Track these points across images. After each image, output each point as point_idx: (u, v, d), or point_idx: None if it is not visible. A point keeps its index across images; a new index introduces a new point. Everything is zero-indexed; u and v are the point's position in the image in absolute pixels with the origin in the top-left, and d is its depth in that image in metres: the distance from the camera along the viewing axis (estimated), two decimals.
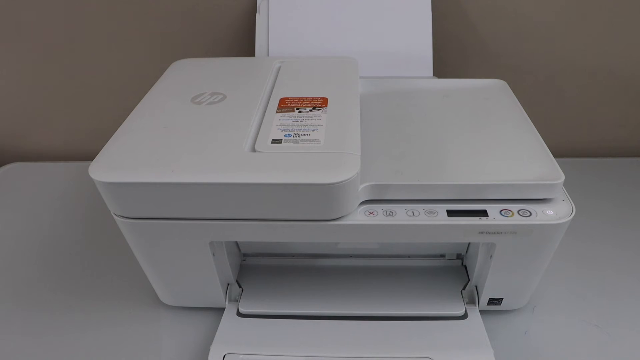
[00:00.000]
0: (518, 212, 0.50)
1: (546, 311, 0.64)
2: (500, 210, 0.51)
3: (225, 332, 0.59)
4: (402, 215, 0.51)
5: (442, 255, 0.67)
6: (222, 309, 0.63)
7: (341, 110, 0.56)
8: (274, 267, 0.68)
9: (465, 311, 0.61)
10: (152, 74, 0.69)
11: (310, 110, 0.56)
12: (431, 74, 0.75)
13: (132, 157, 0.49)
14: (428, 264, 0.67)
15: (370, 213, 0.51)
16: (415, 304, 0.62)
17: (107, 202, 0.50)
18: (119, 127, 0.55)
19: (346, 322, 0.60)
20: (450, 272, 0.66)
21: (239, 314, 0.62)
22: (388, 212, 0.51)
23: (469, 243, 0.64)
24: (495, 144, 0.56)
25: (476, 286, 0.62)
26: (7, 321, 0.65)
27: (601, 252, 0.73)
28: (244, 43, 0.86)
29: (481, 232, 0.51)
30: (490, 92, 0.66)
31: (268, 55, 0.76)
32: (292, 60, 0.70)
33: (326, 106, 0.57)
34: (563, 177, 0.50)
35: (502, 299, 0.61)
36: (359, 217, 0.50)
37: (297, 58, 0.71)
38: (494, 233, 0.51)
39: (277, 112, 0.56)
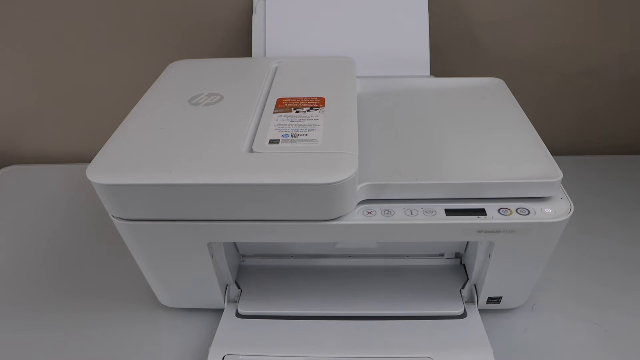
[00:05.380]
0: (516, 210, 0.50)
1: (545, 309, 0.64)
2: (499, 209, 0.51)
3: (224, 333, 0.59)
4: (400, 215, 0.50)
5: (441, 254, 0.67)
6: (221, 310, 0.63)
7: (338, 110, 0.56)
8: (273, 268, 0.68)
9: (465, 310, 0.61)
10: (149, 76, 0.69)
11: (308, 110, 0.56)
12: (428, 73, 0.75)
13: (129, 159, 0.49)
14: (427, 263, 0.67)
15: (369, 213, 0.51)
16: (414, 304, 0.62)
17: (105, 204, 0.50)
18: (116, 129, 0.55)
19: (345, 322, 0.60)
20: (449, 271, 0.66)
21: (238, 315, 0.62)
22: (386, 212, 0.51)
23: (468, 242, 0.64)
24: (492, 142, 0.56)
25: (475, 285, 0.62)
26: (6, 321, 0.65)
27: (600, 250, 0.73)
28: (240, 43, 0.86)
29: (480, 231, 0.51)
30: (487, 91, 0.66)
31: (265, 55, 0.76)
32: (289, 60, 0.70)
33: (323, 106, 0.57)
34: (561, 175, 0.50)
35: (501, 297, 0.61)
36: (357, 217, 0.50)
37: (294, 58, 0.71)
38: (493, 232, 0.51)
39: (274, 112, 0.56)
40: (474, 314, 0.61)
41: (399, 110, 0.63)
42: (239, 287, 0.65)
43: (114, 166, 0.49)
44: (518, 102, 0.64)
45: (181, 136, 0.52)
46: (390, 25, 0.75)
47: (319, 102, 0.58)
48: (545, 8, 0.82)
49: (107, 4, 0.83)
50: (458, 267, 0.67)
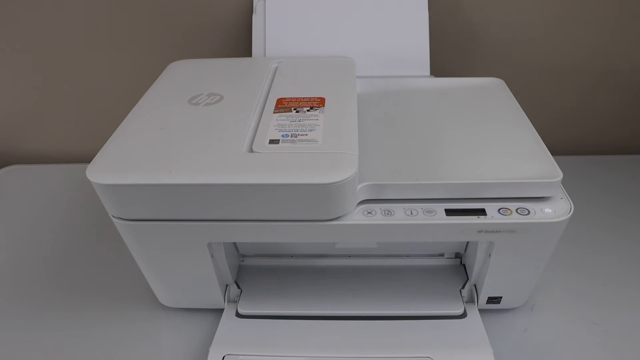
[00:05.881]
0: (516, 210, 0.50)
1: (545, 309, 0.64)
2: (499, 209, 0.51)
3: (225, 333, 0.59)
4: (400, 215, 0.50)
5: (441, 254, 0.67)
6: (221, 310, 0.63)
7: (338, 110, 0.56)
8: (273, 268, 0.67)
9: (465, 310, 0.61)
10: (149, 76, 0.69)
11: (308, 110, 0.56)
12: (428, 73, 0.75)
13: (129, 159, 0.49)
14: (427, 263, 0.67)
15: (369, 213, 0.51)
16: (414, 304, 0.62)
17: (105, 204, 0.50)
18: (116, 129, 0.55)
19: (345, 322, 0.60)
20: (449, 271, 0.66)
21: (238, 315, 0.62)
22: (386, 212, 0.51)
23: (468, 242, 0.64)
24: (493, 142, 0.56)
25: (475, 285, 0.62)
26: (7, 321, 0.65)
27: (600, 250, 0.73)
28: (240, 43, 0.86)
29: (480, 231, 0.51)
30: (487, 91, 0.66)
31: (265, 55, 0.76)
32: (289, 60, 0.70)
33: (323, 106, 0.57)
34: (561, 175, 0.50)
35: (501, 297, 0.61)
36: (357, 216, 0.50)
37: (294, 58, 0.71)
38: (493, 232, 0.51)
39: (274, 112, 0.56)
40: (474, 314, 0.61)
41: (399, 110, 0.63)
42: (239, 287, 0.65)
43: (114, 166, 0.49)
44: (518, 102, 0.64)
45: (181, 136, 0.52)
46: (390, 25, 0.75)
47: (319, 102, 0.58)
48: (545, 8, 0.82)
49: (107, 4, 0.83)
50: (458, 267, 0.67)
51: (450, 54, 0.87)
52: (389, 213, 0.51)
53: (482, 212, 0.51)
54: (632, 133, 0.96)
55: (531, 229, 0.50)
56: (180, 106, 0.58)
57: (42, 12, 0.83)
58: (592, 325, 0.62)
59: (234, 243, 0.65)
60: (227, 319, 0.61)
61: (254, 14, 0.76)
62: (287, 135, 0.52)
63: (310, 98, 0.59)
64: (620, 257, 0.72)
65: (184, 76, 0.66)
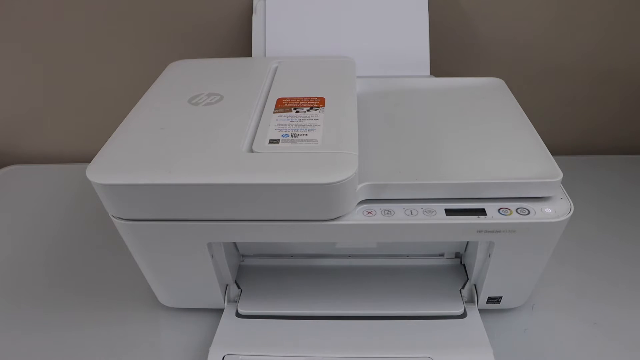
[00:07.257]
0: (516, 210, 0.50)
1: (545, 309, 0.64)
2: (499, 209, 0.51)
3: (225, 333, 0.59)
4: (400, 215, 0.50)
5: (441, 254, 0.67)
6: (221, 310, 0.63)
7: (339, 110, 0.56)
8: (273, 268, 0.67)
9: (465, 310, 0.61)
10: (149, 76, 0.69)
11: (308, 110, 0.56)
12: (428, 73, 0.75)
13: (129, 159, 0.49)
14: (427, 263, 0.67)
15: (369, 213, 0.51)
16: (414, 304, 0.62)
17: (105, 203, 0.50)
18: (116, 129, 0.55)
19: (345, 322, 0.60)
20: (449, 271, 0.66)
21: (238, 315, 0.62)
22: (386, 212, 0.51)
23: (468, 242, 0.64)
24: (493, 142, 0.56)
25: (475, 285, 0.62)
26: (7, 321, 0.65)
27: (600, 250, 0.73)
28: (240, 43, 0.86)
29: (480, 231, 0.51)
30: (487, 91, 0.66)
31: (265, 55, 0.76)
32: (289, 60, 0.70)
33: (323, 106, 0.57)
34: (561, 175, 0.50)
35: (501, 297, 0.61)
36: (357, 216, 0.50)
37: (294, 58, 0.71)
38: (493, 232, 0.51)
39: (274, 112, 0.56)
40: (474, 314, 0.61)
41: (399, 110, 0.63)
42: (239, 287, 0.65)
43: (114, 166, 0.49)
44: (518, 102, 0.64)
45: (181, 136, 0.52)
46: (390, 25, 0.75)
47: (319, 102, 0.58)
48: (545, 8, 0.82)
49: (107, 4, 0.83)
50: (458, 267, 0.67)
51: (450, 54, 0.87)
52: (389, 213, 0.51)
53: (482, 212, 0.51)
54: (633, 133, 0.96)
55: (531, 229, 0.50)
56: (180, 106, 0.58)
57: (43, 13, 0.83)
58: (592, 326, 0.62)
59: (234, 243, 0.65)
60: (227, 319, 0.61)
61: (254, 14, 0.76)
62: (287, 135, 0.52)
63: (310, 98, 0.59)
64: (620, 257, 0.72)
65: (184, 76, 0.66)
